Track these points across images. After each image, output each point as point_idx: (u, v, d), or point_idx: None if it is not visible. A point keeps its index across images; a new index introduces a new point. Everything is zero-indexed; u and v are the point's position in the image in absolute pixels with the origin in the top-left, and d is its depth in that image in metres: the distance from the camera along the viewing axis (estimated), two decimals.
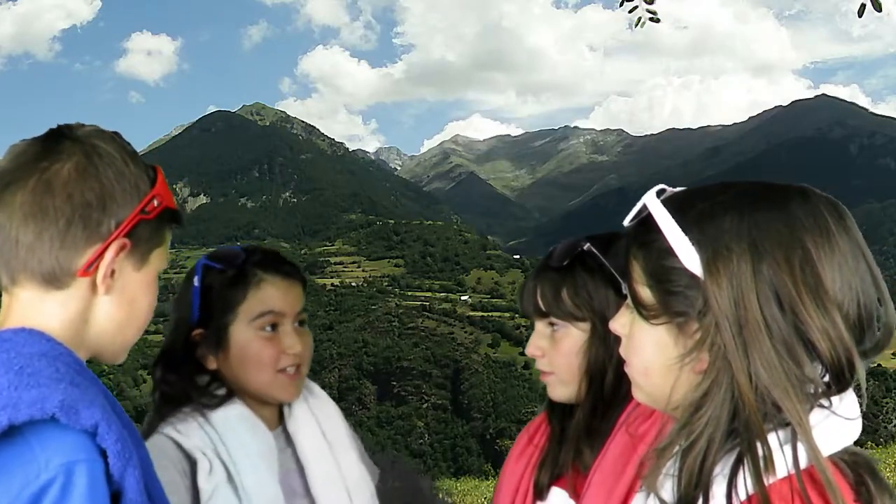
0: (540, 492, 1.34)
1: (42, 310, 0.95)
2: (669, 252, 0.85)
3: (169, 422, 1.35)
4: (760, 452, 0.76)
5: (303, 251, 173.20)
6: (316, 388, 1.53)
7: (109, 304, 0.98)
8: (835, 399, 0.80)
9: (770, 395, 0.77)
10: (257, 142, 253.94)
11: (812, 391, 0.79)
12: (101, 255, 0.94)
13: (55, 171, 0.93)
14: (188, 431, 1.32)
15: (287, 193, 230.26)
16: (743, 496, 0.77)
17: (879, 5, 3.25)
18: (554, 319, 1.31)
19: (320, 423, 1.46)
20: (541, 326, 1.34)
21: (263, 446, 1.35)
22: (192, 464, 1.29)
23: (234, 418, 1.35)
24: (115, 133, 1.01)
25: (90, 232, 0.94)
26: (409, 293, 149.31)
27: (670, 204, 0.87)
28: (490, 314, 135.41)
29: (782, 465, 0.76)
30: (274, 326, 1.39)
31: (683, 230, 0.84)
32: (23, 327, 0.93)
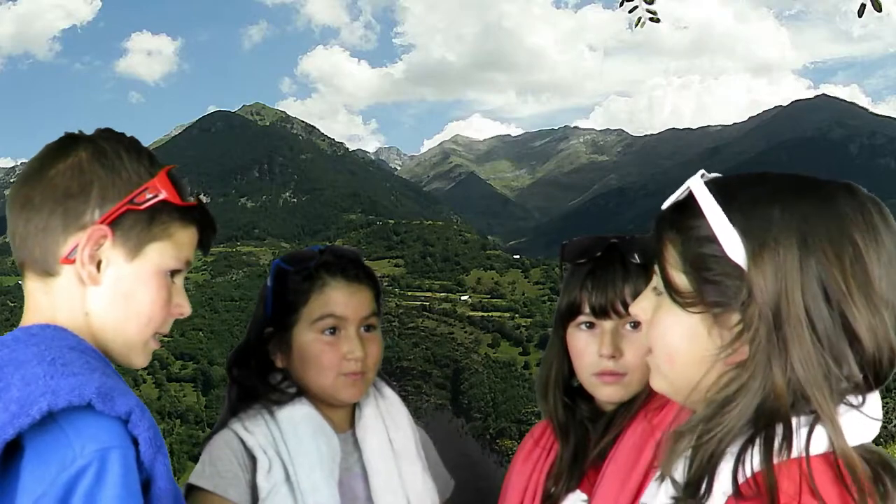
0: (554, 501, 1.32)
1: (45, 300, 0.99)
2: (711, 239, 0.82)
3: (239, 417, 1.37)
4: (779, 431, 0.76)
5: None
6: (389, 393, 1.51)
7: (103, 296, 0.99)
8: (861, 398, 0.80)
9: (802, 389, 0.77)
10: (257, 142, 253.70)
11: (844, 387, 0.78)
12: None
13: (50, 167, 0.99)
14: (254, 429, 1.33)
15: (287, 193, 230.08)
16: (749, 473, 0.76)
17: (879, 5, 3.25)
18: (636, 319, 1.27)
19: (388, 430, 1.45)
20: (612, 326, 1.30)
21: (325, 448, 1.34)
22: (253, 461, 1.30)
23: (298, 418, 1.35)
24: (125, 136, 1.04)
25: (70, 220, 0.97)
26: (409, 293, 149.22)
27: (715, 190, 0.84)
28: (490, 314, 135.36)
29: (797, 447, 0.76)
30: (336, 330, 1.38)
31: (729, 219, 0.82)
32: (49, 324, 0.96)
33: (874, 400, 0.82)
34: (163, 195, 1.00)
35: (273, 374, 1.41)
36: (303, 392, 1.39)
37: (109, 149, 1.00)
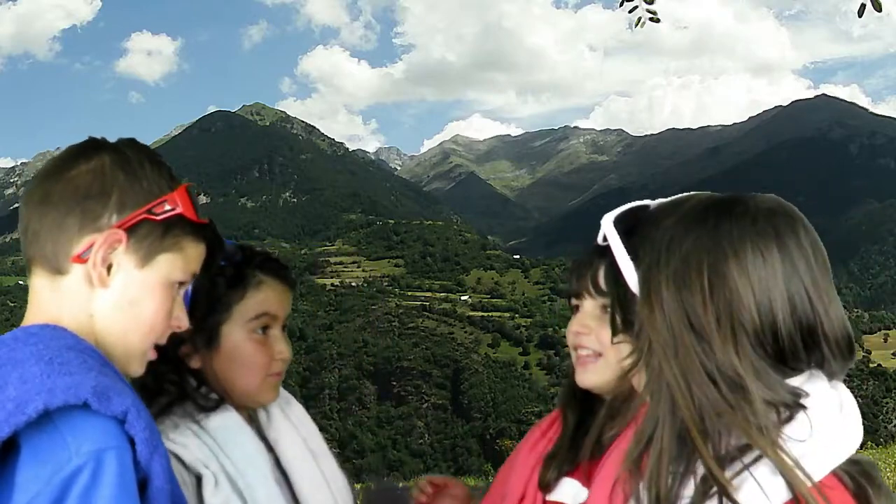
0: (546, 486, 1.32)
1: (51, 298, 0.99)
2: (623, 277, 0.88)
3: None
4: (720, 476, 0.74)
5: (303, 251, 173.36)
6: (283, 392, 1.50)
7: (109, 299, 0.99)
8: (817, 415, 0.78)
9: (719, 420, 0.76)
10: (257, 142, 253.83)
11: (773, 415, 0.77)
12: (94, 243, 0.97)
13: (72, 167, 1.00)
14: (185, 442, 1.26)
15: (287, 193, 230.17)
16: None
17: (879, 5, 3.25)
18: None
19: (298, 430, 1.45)
20: (590, 306, 1.30)
21: (264, 455, 1.33)
22: (195, 477, 1.24)
23: (233, 427, 1.32)
24: (148, 147, 1.06)
25: (87, 221, 0.98)
26: (409, 293, 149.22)
27: (622, 229, 0.90)
28: (490, 314, 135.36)
29: (777, 493, 0.74)
30: (265, 329, 1.38)
31: (630, 257, 0.87)
32: (48, 323, 0.97)
33: (850, 409, 0.82)
34: (179, 209, 1.02)
35: (187, 377, 1.34)
36: (222, 396, 1.35)
37: (133, 157, 1.02)
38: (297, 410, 1.50)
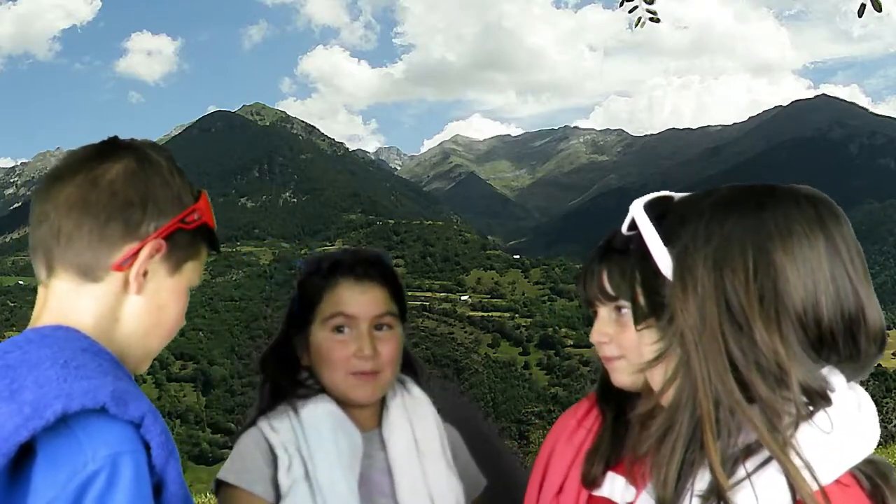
0: (592, 481, 1.30)
1: (76, 303, 0.98)
2: (654, 263, 0.85)
3: (267, 416, 1.41)
4: (740, 471, 0.74)
5: (303, 251, 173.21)
6: (418, 392, 1.53)
7: (139, 305, 1.01)
8: (836, 411, 0.76)
9: (736, 414, 0.75)
10: (257, 142, 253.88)
11: (793, 408, 0.75)
12: (136, 253, 0.98)
13: (104, 170, 0.99)
14: (279, 426, 1.38)
15: (287, 193, 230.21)
16: None
17: (879, 5, 3.23)
18: (622, 303, 1.27)
19: (414, 429, 1.47)
20: (605, 312, 1.30)
21: (345, 445, 1.37)
22: (276, 458, 1.35)
23: (321, 415, 1.39)
24: (168, 151, 1.07)
25: (129, 230, 0.98)
26: (409, 293, 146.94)
27: (653, 214, 0.88)
28: (490, 314, 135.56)
29: (779, 498, 0.73)
30: (347, 328, 1.42)
31: (664, 241, 0.85)
32: (60, 325, 0.96)
33: (867, 409, 0.80)
34: (204, 217, 1.06)
35: (300, 372, 1.46)
36: (325, 390, 1.44)
37: (163, 163, 1.03)
38: (421, 409, 1.51)
